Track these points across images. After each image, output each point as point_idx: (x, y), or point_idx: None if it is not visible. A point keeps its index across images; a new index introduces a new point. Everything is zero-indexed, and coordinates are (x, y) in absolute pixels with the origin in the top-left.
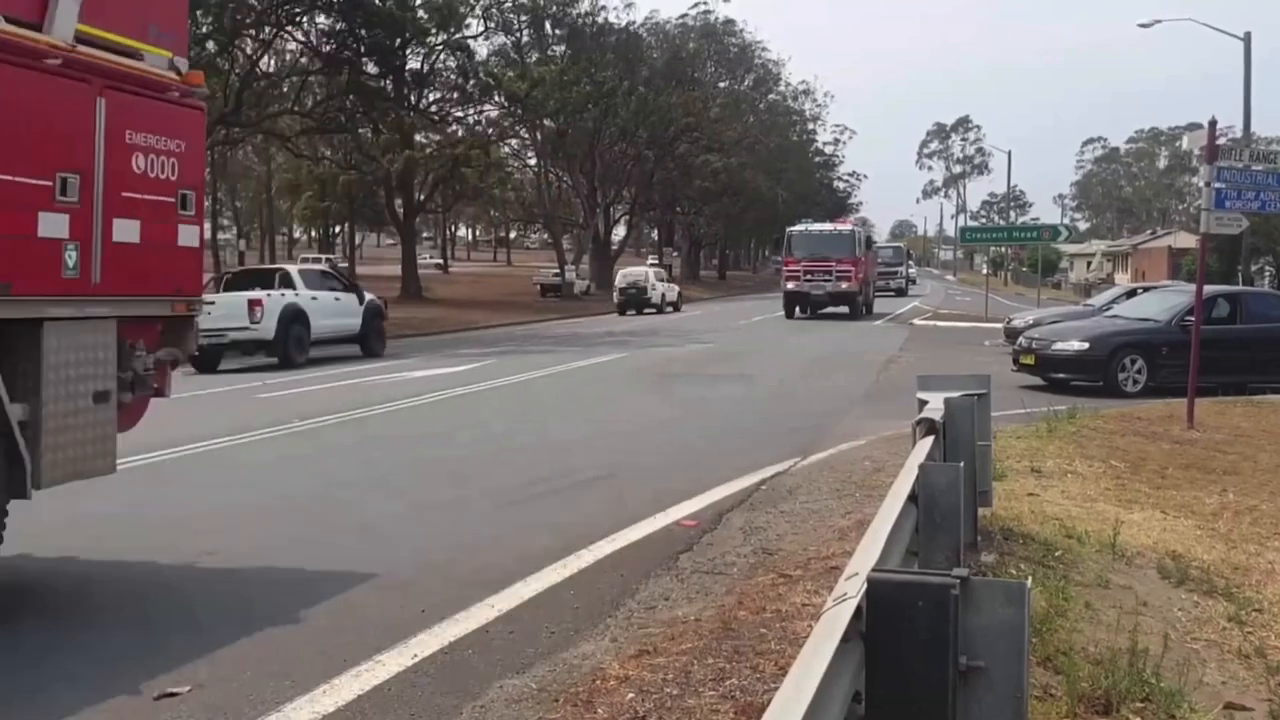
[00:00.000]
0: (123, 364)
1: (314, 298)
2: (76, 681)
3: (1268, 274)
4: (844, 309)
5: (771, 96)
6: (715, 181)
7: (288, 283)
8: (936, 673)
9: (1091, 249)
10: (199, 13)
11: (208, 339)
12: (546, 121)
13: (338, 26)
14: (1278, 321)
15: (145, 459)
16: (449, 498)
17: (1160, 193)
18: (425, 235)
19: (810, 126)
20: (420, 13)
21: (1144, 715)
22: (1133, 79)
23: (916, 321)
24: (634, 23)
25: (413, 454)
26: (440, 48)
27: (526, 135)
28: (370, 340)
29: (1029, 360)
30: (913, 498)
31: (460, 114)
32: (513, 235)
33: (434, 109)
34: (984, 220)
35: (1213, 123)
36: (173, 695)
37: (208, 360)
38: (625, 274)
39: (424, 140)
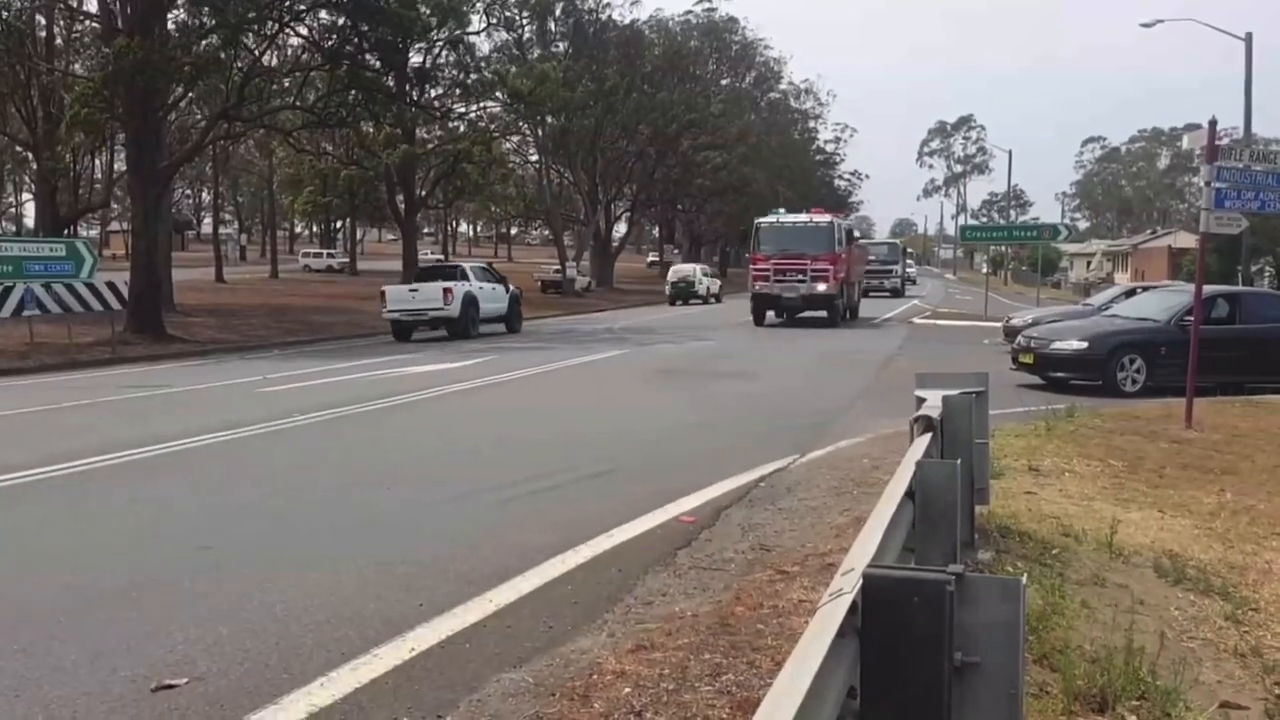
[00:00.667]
0: None
1: (480, 287)
2: (74, 673)
3: (1267, 274)
4: (821, 314)
5: (773, 95)
6: (716, 179)
7: (464, 276)
8: (931, 669)
9: (1091, 248)
10: (204, 9)
11: (411, 316)
12: (548, 118)
13: (340, 22)
14: (1276, 322)
15: (143, 452)
16: (447, 493)
17: (1161, 192)
18: (426, 231)
19: (811, 124)
20: (423, 8)
21: (1139, 713)
22: (1134, 79)
23: (916, 320)
24: (638, 20)
25: (411, 449)
26: (442, 44)
27: (528, 131)
28: (512, 320)
29: (1028, 359)
30: (910, 495)
31: (462, 110)
32: (514, 231)
33: (436, 104)
34: (984, 219)
35: (1213, 123)
36: (171, 687)
37: (404, 332)
38: (676, 269)
39: (425, 136)
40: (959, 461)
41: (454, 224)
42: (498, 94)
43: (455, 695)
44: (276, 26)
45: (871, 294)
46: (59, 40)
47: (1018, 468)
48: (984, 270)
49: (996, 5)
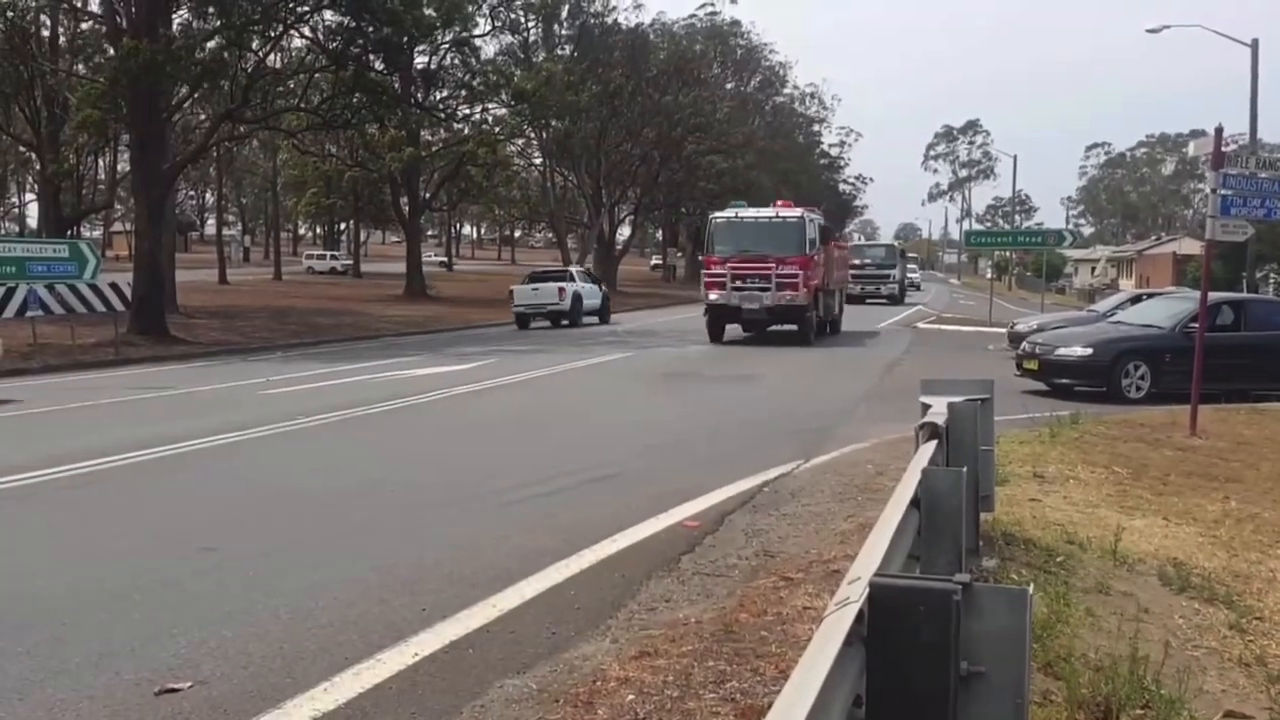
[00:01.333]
0: None
1: (583, 287)
2: (77, 676)
3: (1273, 281)
4: (791, 328)
5: (778, 99)
6: (720, 183)
7: (572, 278)
8: (938, 678)
9: (1096, 254)
10: (209, 9)
11: (532, 310)
12: (553, 121)
13: (345, 24)
14: None
15: (146, 454)
16: (450, 496)
17: (1166, 198)
18: (430, 233)
19: (816, 129)
20: (428, 10)
21: None
22: (1140, 85)
23: (920, 325)
24: (642, 24)
25: (414, 452)
26: (447, 46)
27: (533, 134)
28: (604, 313)
29: (1032, 365)
30: (915, 502)
31: (467, 112)
32: (517, 234)
33: (441, 107)
34: (989, 224)
35: (1219, 129)
36: (174, 690)
37: (525, 321)
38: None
39: (430, 138)
40: (964, 469)
41: (458, 226)
42: (502, 95)
43: (459, 701)
44: (281, 28)
45: (868, 301)
46: (62, 41)
47: (1022, 474)
48: (988, 275)
49: (1003, 10)
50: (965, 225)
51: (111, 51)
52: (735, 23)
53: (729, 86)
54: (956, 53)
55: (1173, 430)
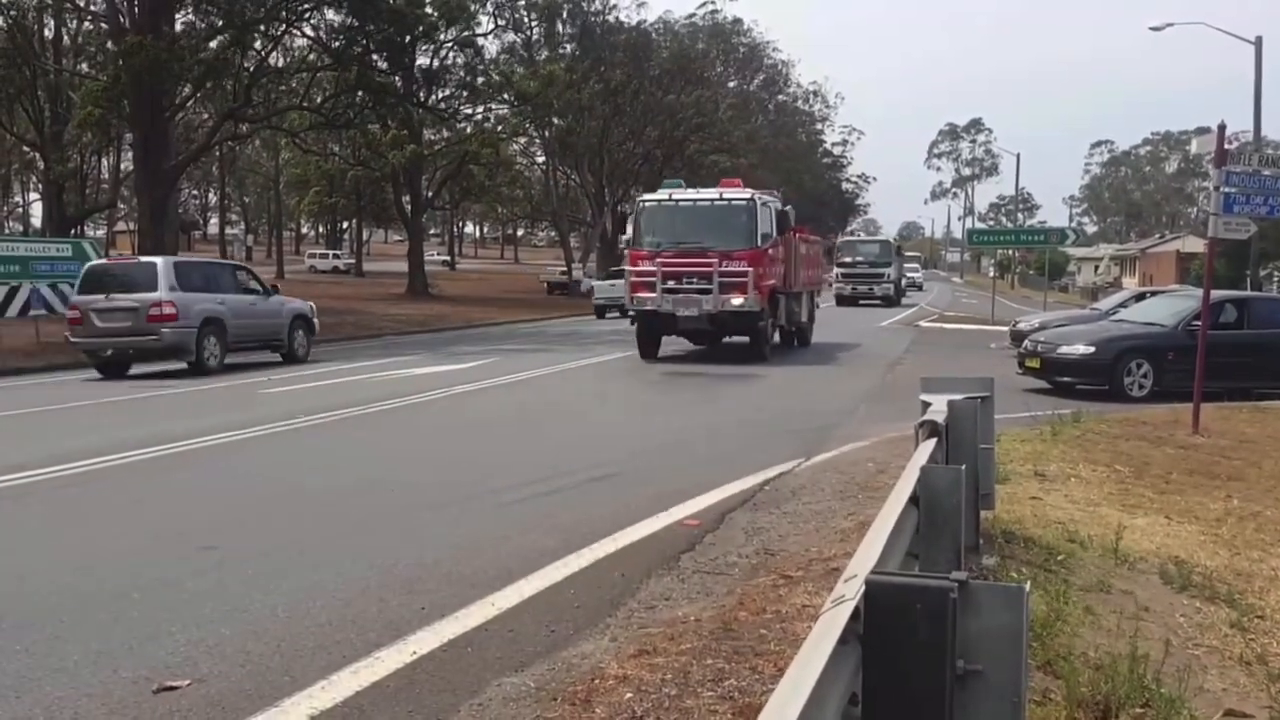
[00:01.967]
0: None
1: None
2: (75, 674)
3: (1276, 279)
4: (743, 339)
5: (781, 97)
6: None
7: None
8: (934, 676)
9: (1099, 253)
10: (212, 8)
11: (609, 302)
12: (555, 119)
13: (348, 22)
14: None
15: (146, 452)
16: (450, 495)
17: (1169, 197)
18: (433, 232)
19: (818, 127)
20: (430, 9)
21: None
22: (1144, 83)
23: (922, 324)
24: (645, 21)
25: (414, 451)
26: (450, 44)
27: (535, 133)
28: None
29: (1034, 364)
30: (914, 500)
31: (469, 111)
32: (520, 233)
33: (443, 106)
34: (992, 223)
35: (1222, 127)
36: (172, 689)
37: (601, 312)
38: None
39: (433, 137)
40: (963, 467)
41: (460, 225)
42: (505, 95)
43: (457, 699)
44: (283, 27)
45: (861, 303)
46: (65, 40)
47: (1023, 473)
48: (991, 274)
49: (1005, 8)
50: (968, 224)
51: (114, 50)
52: (737, 21)
53: (731, 85)
54: (959, 51)
55: (1175, 428)
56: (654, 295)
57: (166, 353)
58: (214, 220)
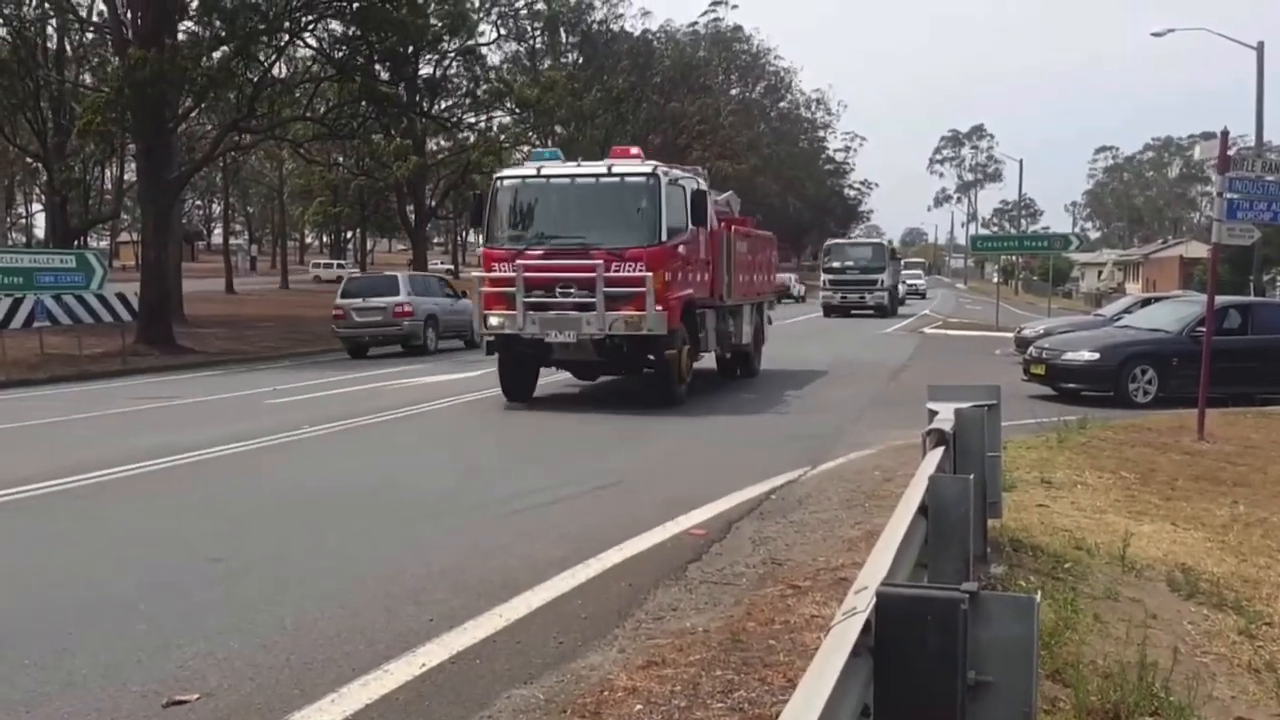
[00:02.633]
0: None
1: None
2: (85, 687)
3: (1279, 284)
4: (643, 370)
5: (783, 105)
6: (725, 189)
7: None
8: (945, 687)
9: (1103, 258)
10: (216, 19)
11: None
12: (557, 127)
13: (351, 33)
14: None
15: (153, 464)
16: (456, 505)
17: (1172, 202)
18: (436, 241)
19: (821, 134)
20: (433, 19)
21: None
22: (1146, 88)
23: (927, 330)
24: (649, 30)
25: (421, 460)
26: (453, 55)
27: (538, 141)
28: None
29: (1039, 370)
30: (922, 509)
31: (472, 120)
32: None
33: (446, 115)
34: (995, 228)
35: (1224, 133)
36: (181, 703)
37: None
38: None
39: (436, 146)
40: (971, 477)
41: (464, 234)
42: (506, 102)
43: (466, 712)
44: (287, 38)
45: (853, 313)
46: (68, 51)
47: (1030, 480)
48: (995, 280)
49: (1009, 14)
50: (971, 230)
51: (117, 61)
52: (738, 29)
53: (734, 93)
54: (961, 57)
55: (1180, 435)
56: (512, 313)
57: (404, 339)
58: (218, 231)
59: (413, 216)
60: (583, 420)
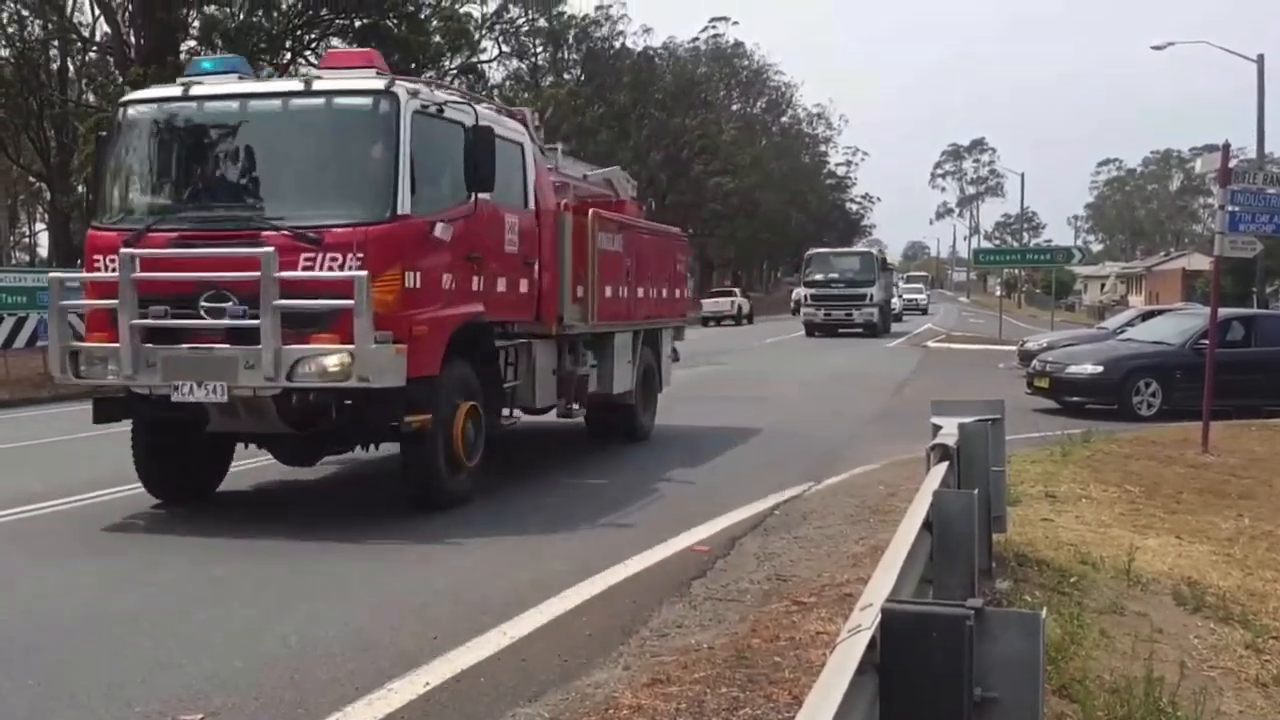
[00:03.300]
0: None
1: (742, 300)
2: (87, 707)
3: None
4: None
5: (784, 119)
6: (727, 204)
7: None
8: (951, 704)
9: (1105, 271)
10: (218, 39)
11: (716, 315)
12: (559, 144)
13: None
14: None
15: None
16: (459, 519)
17: (1173, 215)
18: None
19: (823, 149)
20: (435, 36)
21: None
22: (1146, 101)
23: (930, 344)
24: (650, 46)
25: None
26: (454, 72)
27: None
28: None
29: (1043, 383)
30: (927, 525)
31: None
32: None
33: None
34: (997, 242)
35: (1225, 146)
36: None
37: (706, 321)
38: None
39: None
40: (976, 491)
41: None
42: None
43: None
44: (289, 56)
45: (840, 332)
46: (71, 71)
47: (1034, 494)
48: (997, 293)
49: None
50: (973, 243)
51: (120, 80)
52: (739, 44)
53: (735, 108)
54: (962, 70)
55: (1185, 447)
56: (120, 347)
57: None
58: None
59: None
60: (579, 432)
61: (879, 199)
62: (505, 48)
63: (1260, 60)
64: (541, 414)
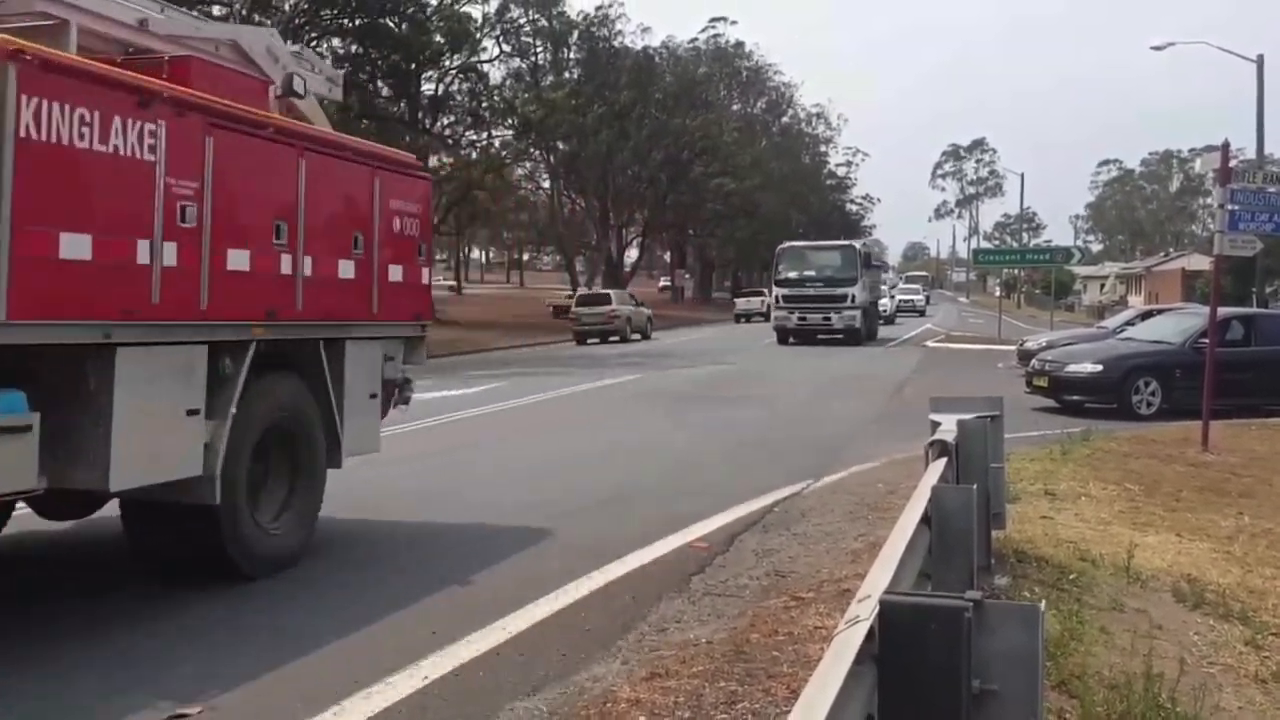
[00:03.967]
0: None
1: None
2: (88, 700)
3: None
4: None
5: (784, 120)
6: (728, 204)
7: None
8: (949, 696)
9: (1105, 271)
10: None
11: (748, 314)
12: (560, 144)
13: (353, 50)
14: None
15: None
16: (459, 519)
17: (1173, 215)
18: (439, 257)
19: (823, 149)
20: (435, 36)
21: None
22: (1146, 101)
23: (930, 344)
24: (650, 47)
25: (421, 474)
26: (455, 71)
27: (540, 157)
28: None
29: (1042, 382)
30: (926, 520)
31: (474, 137)
32: (526, 257)
33: (448, 132)
34: (997, 242)
35: (1225, 145)
36: (184, 716)
37: (738, 319)
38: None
39: (437, 163)
40: (975, 487)
41: (466, 251)
42: (509, 121)
43: None
44: None
45: (820, 338)
46: None
47: (1033, 492)
48: (997, 293)
49: (1011, 28)
50: (973, 243)
51: None
52: (739, 44)
53: (735, 108)
54: (962, 71)
55: (1184, 446)
56: None
57: (616, 333)
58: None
59: None
60: (583, 434)
61: (879, 200)
62: (506, 47)
63: (1260, 61)
64: None
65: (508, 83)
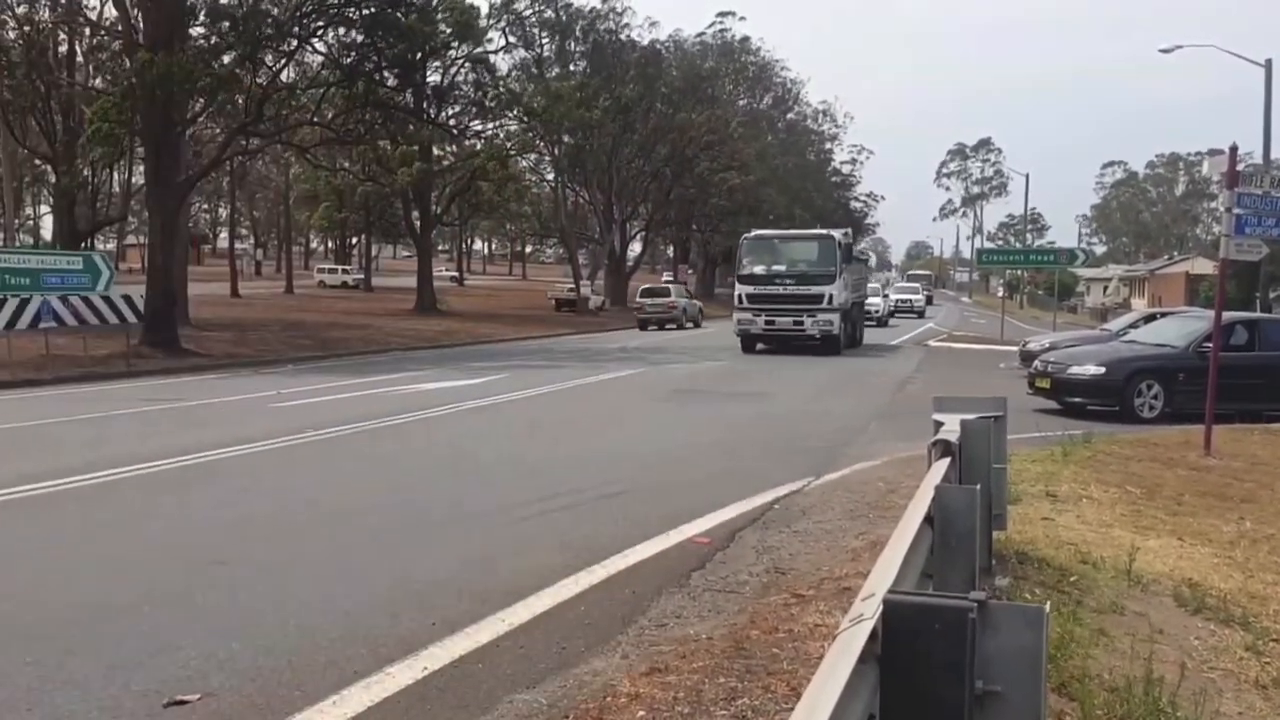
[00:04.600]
0: None
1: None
2: (86, 687)
3: None
4: None
5: (790, 116)
6: (732, 200)
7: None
8: (952, 697)
9: (1109, 273)
10: (224, 25)
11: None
12: (565, 136)
13: (359, 39)
14: None
15: (156, 466)
16: (460, 511)
17: (1178, 218)
18: (441, 248)
19: (828, 146)
20: (441, 26)
21: None
22: (1153, 103)
23: (932, 344)
24: (657, 40)
25: (424, 466)
26: (460, 61)
27: (544, 149)
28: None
29: (1044, 384)
30: (928, 519)
31: (479, 127)
32: (528, 250)
33: (453, 123)
34: (1001, 242)
35: (1233, 148)
36: (182, 703)
37: None
38: None
39: (441, 153)
40: (978, 487)
41: (469, 241)
42: (514, 111)
43: (468, 716)
44: (295, 43)
45: (794, 344)
46: (79, 54)
47: (1035, 493)
48: (1000, 294)
49: (1018, 27)
50: (977, 243)
51: (127, 64)
52: (746, 39)
53: (741, 104)
54: (968, 69)
55: (1187, 450)
56: None
57: (674, 321)
58: (224, 234)
59: (418, 223)
60: (592, 434)
61: (884, 197)
62: (512, 38)
63: (1268, 65)
64: None
65: (513, 74)
